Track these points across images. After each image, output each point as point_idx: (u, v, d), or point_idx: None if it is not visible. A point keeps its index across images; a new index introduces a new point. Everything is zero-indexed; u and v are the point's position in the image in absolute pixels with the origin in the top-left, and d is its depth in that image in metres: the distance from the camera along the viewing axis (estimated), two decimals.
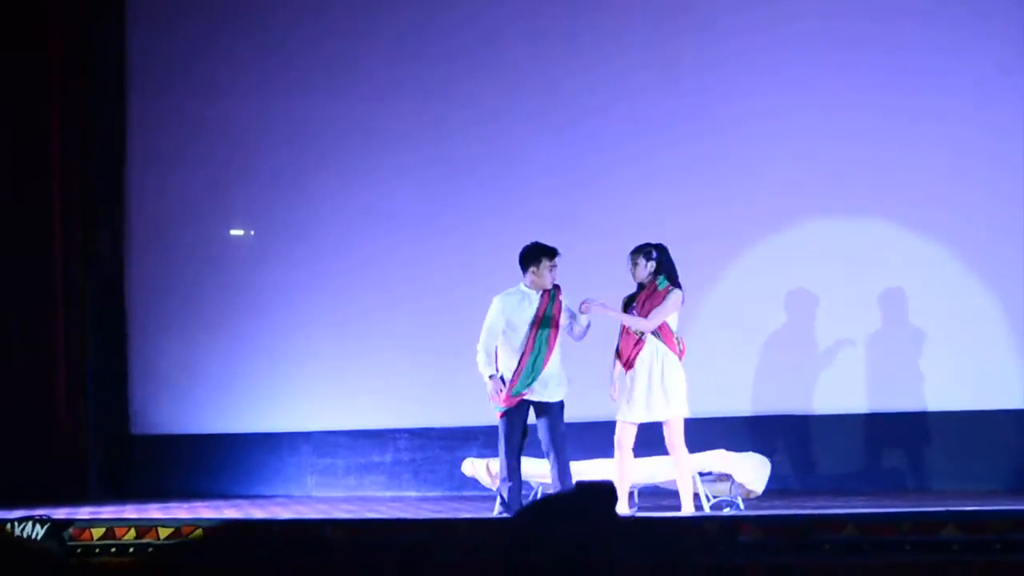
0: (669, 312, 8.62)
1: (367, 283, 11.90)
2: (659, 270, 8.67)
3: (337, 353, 11.88)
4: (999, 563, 6.04)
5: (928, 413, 10.44)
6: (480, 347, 8.93)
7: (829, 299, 10.68)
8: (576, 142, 11.43)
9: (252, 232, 12.44)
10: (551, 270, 8.81)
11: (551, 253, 8.82)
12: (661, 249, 8.74)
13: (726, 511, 8.78)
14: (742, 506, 8.95)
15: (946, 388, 10.41)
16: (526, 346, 8.74)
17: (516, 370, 8.74)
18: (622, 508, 8.57)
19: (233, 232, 12.46)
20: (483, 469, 9.43)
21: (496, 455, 8.98)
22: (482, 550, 3.62)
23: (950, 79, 10.51)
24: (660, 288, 8.65)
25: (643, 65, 11.27)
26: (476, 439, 11.04)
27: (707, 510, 8.75)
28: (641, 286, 8.74)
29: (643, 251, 8.73)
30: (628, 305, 8.78)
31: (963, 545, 6.16)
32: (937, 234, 10.50)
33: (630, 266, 8.75)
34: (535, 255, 8.84)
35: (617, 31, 11.37)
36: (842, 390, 10.62)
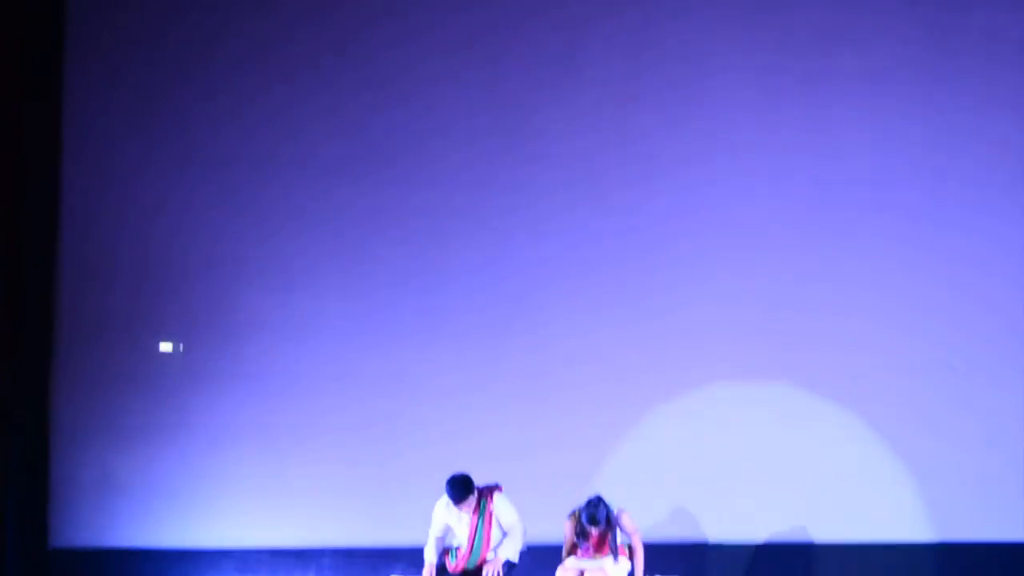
0: (637, 532, 9.01)
1: (292, 399, 11.81)
2: (593, 523, 8.90)
3: (261, 468, 11.74)
4: None
5: (862, 546, 10.47)
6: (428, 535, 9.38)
7: (762, 428, 10.73)
8: (509, 259, 11.52)
9: (181, 345, 12.35)
10: (461, 507, 9.13)
11: (452, 499, 9.11)
12: (601, 503, 8.94)
13: None
14: None
15: (874, 518, 10.45)
16: (467, 543, 9.19)
17: (462, 554, 9.22)
18: None
19: (161, 345, 12.36)
20: None
21: None
22: None
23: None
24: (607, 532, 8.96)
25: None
26: (400, 559, 10.92)
27: None
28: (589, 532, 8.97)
29: (595, 517, 8.88)
30: (579, 536, 8.97)
31: None
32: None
33: (585, 527, 8.91)
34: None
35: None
36: (777, 519, 10.64)
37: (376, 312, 11.78)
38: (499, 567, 8.85)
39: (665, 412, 10.92)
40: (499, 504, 9.13)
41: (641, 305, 11.12)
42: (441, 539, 9.25)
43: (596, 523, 8.77)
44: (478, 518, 9.12)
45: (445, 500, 9.20)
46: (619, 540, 8.93)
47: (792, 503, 10.64)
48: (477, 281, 11.58)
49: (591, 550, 8.83)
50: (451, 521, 9.23)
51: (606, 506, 8.86)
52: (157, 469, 12.01)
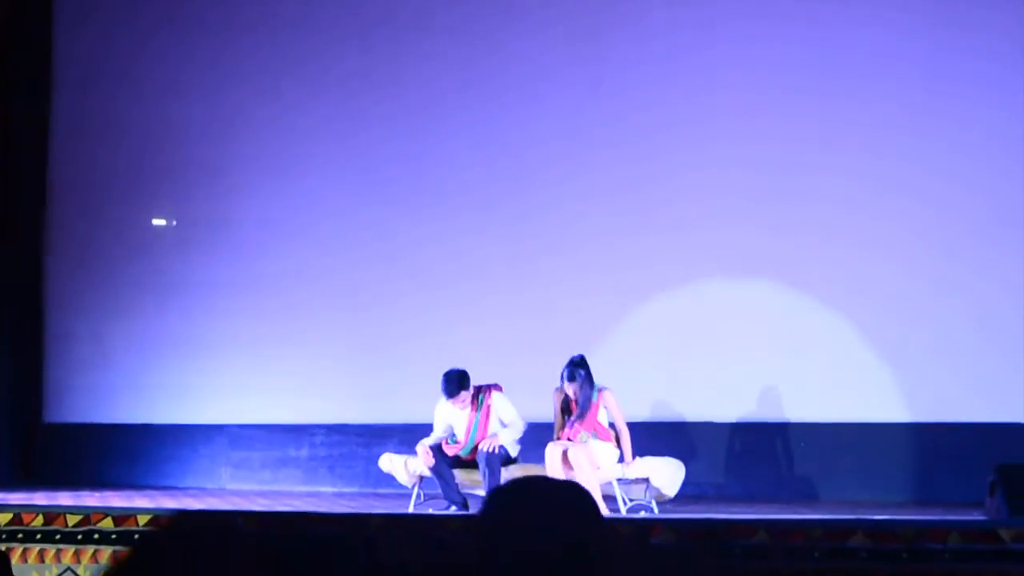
0: (617, 411, 8.97)
1: (286, 276, 11.85)
2: (586, 383, 8.93)
3: (255, 346, 11.82)
4: (905, 570, 6.14)
5: (841, 424, 10.54)
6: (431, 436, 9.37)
7: (748, 310, 10.75)
8: (501, 132, 11.48)
9: (174, 222, 12.35)
10: (455, 403, 9.18)
11: (444, 392, 9.17)
12: (579, 364, 8.96)
13: (641, 514, 8.81)
14: (656, 510, 8.99)
15: (853, 400, 10.52)
16: (464, 435, 9.21)
17: (459, 442, 9.23)
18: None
19: (154, 221, 12.36)
20: (401, 465, 9.41)
21: (413, 453, 9.16)
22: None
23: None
24: (593, 400, 8.95)
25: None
26: (393, 436, 11.01)
27: (624, 513, 8.77)
28: (572, 401, 9.01)
29: (569, 374, 8.91)
30: (564, 411, 9.02)
31: (870, 553, 6.24)
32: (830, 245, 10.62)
33: (564, 383, 8.94)
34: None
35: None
36: (761, 400, 10.70)
37: (371, 190, 11.76)
38: (495, 444, 8.92)
39: (652, 298, 10.92)
40: (498, 400, 9.17)
41: (631, 192, 11.08)
42: (443, 439, 9.27)
43: (573, 379, 8.84)
44: (476, 412, 9.20)
45: (444, 398, 9.24)
46: (605, 421, 8.98)
47: (784, 384, 10.70)
48: (469, 153, 11.52)
49: (576, 425, 8.89)
50: (452, 420, 9.29)
51: (587, 368, 8.90)
52: (150, 344, 12.08)
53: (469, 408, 9.19)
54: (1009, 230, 10.29)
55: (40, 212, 12.37)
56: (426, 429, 9.40)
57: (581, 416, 8.91)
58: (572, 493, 2.89)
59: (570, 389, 8.92)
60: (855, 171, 10.62)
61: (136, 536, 6.70)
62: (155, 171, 12.28)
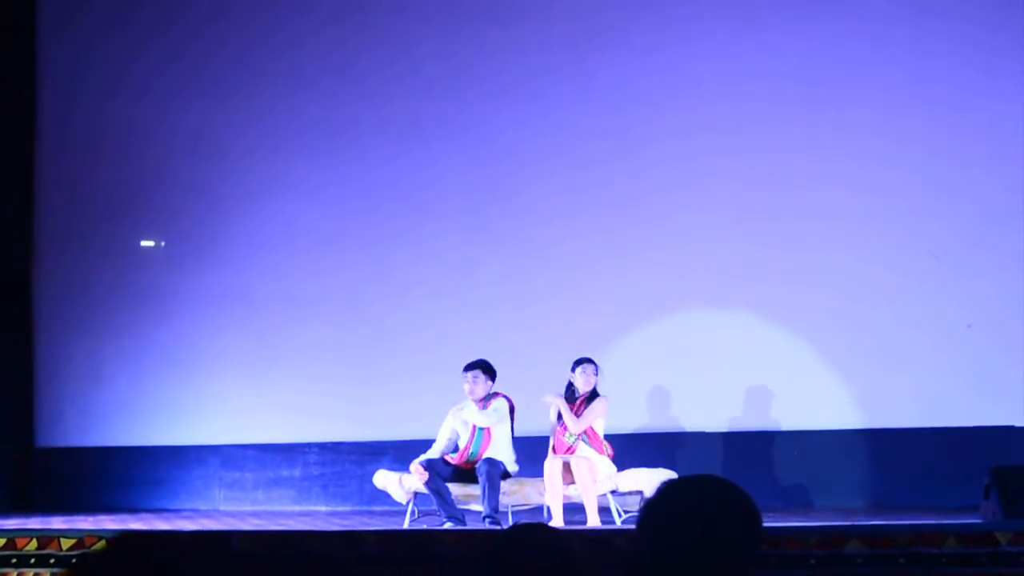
0: (596, 416, 9.02)
1: (278, 294, 11.83)
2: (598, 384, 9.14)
3: (247, 365, 11.79)
4: (902, 575, 6.13)
5: (834, 431, 10.54)
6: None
7: (739, 318, 10.76)
8: (490, 142, 11.48)
9: (163, 242, 12.33)
10: (466, 383, 9.15)
11: (466, 366, 9.19)
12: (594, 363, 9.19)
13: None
14: None
15: (846, 406, 10.53)
16: (470, 434, 9.17)
17: (464, 446, 9.18)
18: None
19: (143, 241, 12.34)
20: (395, 482, 9.36)
21: (407, 470, 9.12)
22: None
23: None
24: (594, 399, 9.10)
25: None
26: (386, 453, 11.01)
27: (619, 524, 8.76)
28: (571, 395, 9.12)
29: (594, 364, 9.14)
30: (557, 421, 9.12)
31: (867, 558, 6.23)
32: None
33: (575, 373, 9.11)
34: None
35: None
36: (753, 408, 10.70)
37: (362, 206, 11.75)
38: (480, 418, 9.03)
39: (644, 310, 10.92)
40: (497, 404, 9.15)
41: (626, 207, 11.09)
42: (446, 452, 9.24)
43: (580, 367, 9.00)
44: (484, 405, 9.16)
45: (457, 406, 9.21)
46: (599, 428, 9.00)
47: (776, 392, 10.70)
48: (460, 165, 11.52)
49: (567, 430, 8.92)
50: (458, 425, 9.25)
51: (597, 368, 9.07)
52: (142, 366, 12.05)
53: (478, 403, 9.14)
54: (998, 230, 10.31)
55: (27, 234, 12.34)
56: (419, 445, 9.37)
57: (577, 403, 8.93)
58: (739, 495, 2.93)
59: (580, 379, 9.00)
60: (844, 179, 10.65)
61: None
62: (143, 190, 12.26)
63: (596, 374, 9.13)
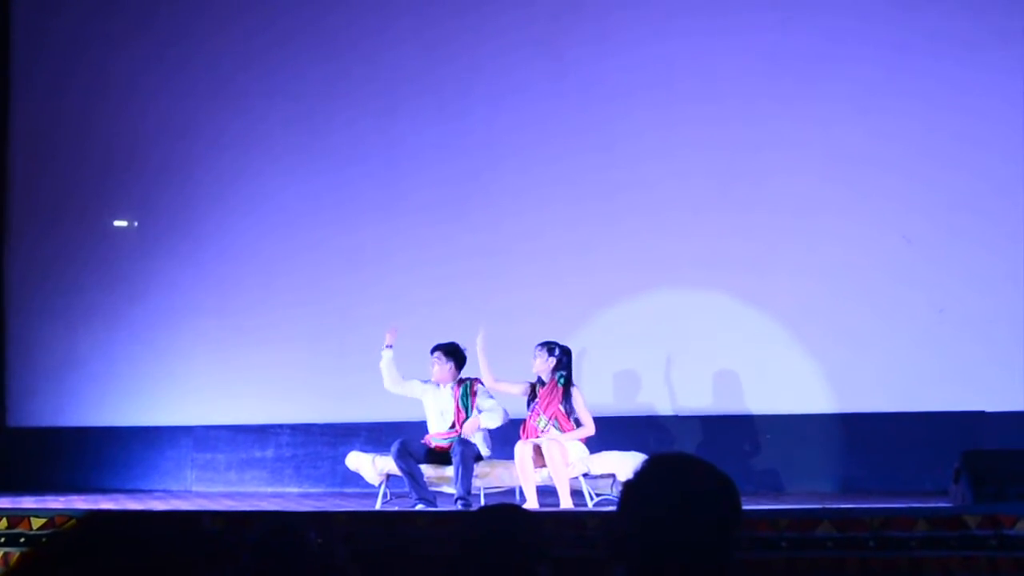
0: (583, 409, 9.06)
1: (250, 276, 11.82)
2: (558, 367, 9.09)
3: (219, 346, 11.78)
4: (872, 558, 6.16)
5: (806, 415, 10.57)
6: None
7: (713, 303, 10.78)
8: (466, 133, 11.46)
9: (136, 223, 12.28)
10: (432, 365, 9.21)
11: (434, 347, 9.27)
12: (565, 351, 9.16)
13: (608, 508, 8.81)
14: None
15: (818, 390, 10.56)
16: (451, 412, 9.20)
17: (441, 424, 9.22)
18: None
19: (116, 223, 12.29)
20: (368, 463, 9.34)
21: (380, 452, 9.15)
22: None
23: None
24: (560, 385, 9.06)
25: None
26: (359, 435, 11.01)
27: (591, 507, 8.77)
28: (541, 381, 9.13)
29: (547, 346, 9.14)
30: (532, 398, 9.13)
31: (837, 542, 6.25)
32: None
33: (534, 356, 9.12)
34: None
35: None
36: (725, 392, 10.72)
37: (333, 188, 11.73)
38: (477, 424, 8.97)
39: (619, 295, 10.93)
40: (483, 391, 9.17)
41: (599, 182, 11.10)
42: (398, 386, 9.24)
43: (536, 347, 9.01)
44: (462, 390, 9.18)
45: (425, 380, 9.26)
46: (567, 412, 9.02)
47: (749, 376, 10.72)
48: (435, 156, 11.51)
49: (537, 409, 8.93)
50: (425, 396, 9.28)
51: (564, 353, 9.06)
52: (114, 347, 12.01)
53: (449, 386, 9.17)
54: (969, 217, 10.36)
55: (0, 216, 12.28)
56: (392, 428, 9.39)
57: (547, 406, 8.96)
58: (720, 479, 2.91)
59: (536, 363, 9.00)
60: (817, 169, 10.68)
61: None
62: (116, 174, 12.22)
63: (551, 356, 9.07)
